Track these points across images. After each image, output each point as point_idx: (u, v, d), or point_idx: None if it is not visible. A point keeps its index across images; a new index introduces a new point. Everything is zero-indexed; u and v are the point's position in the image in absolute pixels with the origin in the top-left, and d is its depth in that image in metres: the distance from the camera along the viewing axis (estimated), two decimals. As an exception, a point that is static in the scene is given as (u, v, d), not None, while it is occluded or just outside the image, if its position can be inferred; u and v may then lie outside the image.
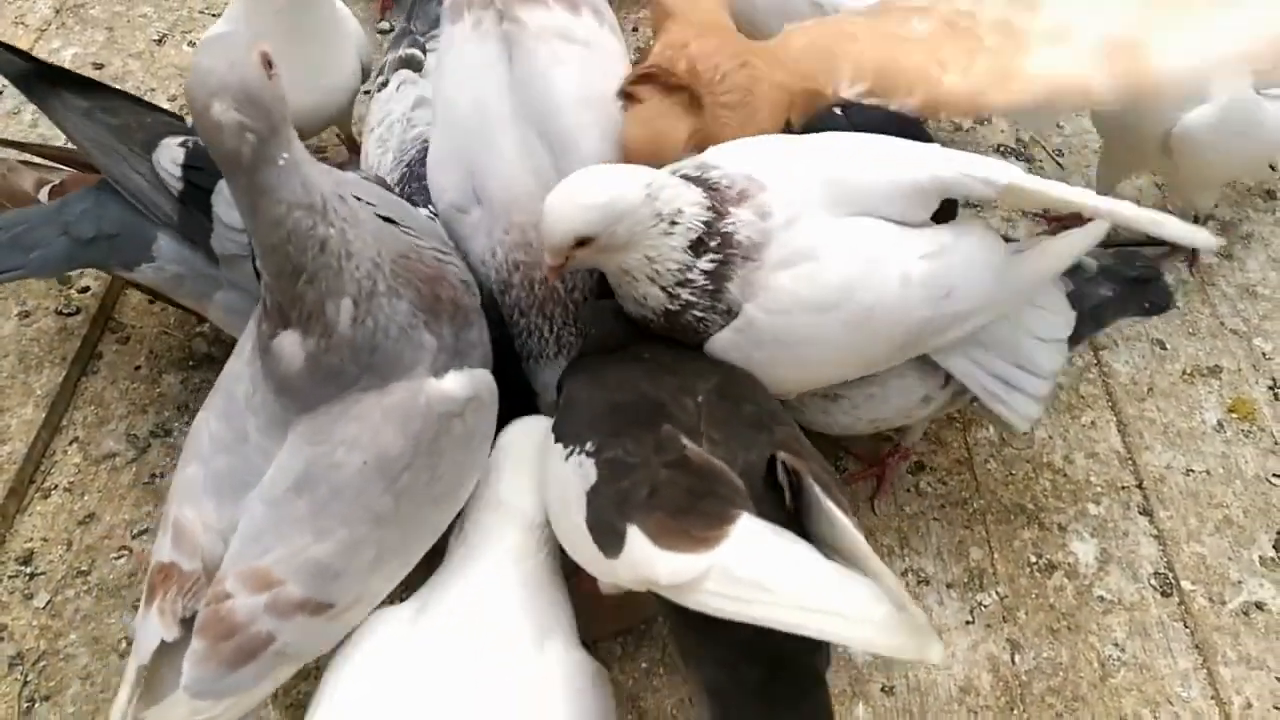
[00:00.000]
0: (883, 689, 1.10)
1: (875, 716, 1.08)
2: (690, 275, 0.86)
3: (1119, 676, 1.12)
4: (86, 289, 1.40)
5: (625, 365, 0.90)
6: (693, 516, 0.73)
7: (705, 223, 0.85)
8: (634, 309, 0.92)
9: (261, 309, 0.79)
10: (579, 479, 0.81)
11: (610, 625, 1.11)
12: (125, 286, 1.41)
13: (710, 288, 0.87)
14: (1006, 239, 1.04)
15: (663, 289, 0.88)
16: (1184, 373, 1.41)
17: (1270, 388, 1.40)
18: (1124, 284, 1.16)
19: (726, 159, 0.91)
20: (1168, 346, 1.44)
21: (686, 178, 0.89)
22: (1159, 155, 1.35)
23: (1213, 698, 1.10)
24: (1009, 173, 0.93)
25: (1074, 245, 1.00)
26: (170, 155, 0.99)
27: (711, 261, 0.86)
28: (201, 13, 1.87)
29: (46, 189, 1.16)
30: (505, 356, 0.99)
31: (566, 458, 0.82)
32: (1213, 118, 1.28)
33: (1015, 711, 1.09)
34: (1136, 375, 1.41)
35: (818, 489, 0.75)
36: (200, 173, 1.00)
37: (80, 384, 1.33)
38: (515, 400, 0.98)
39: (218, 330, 1.38)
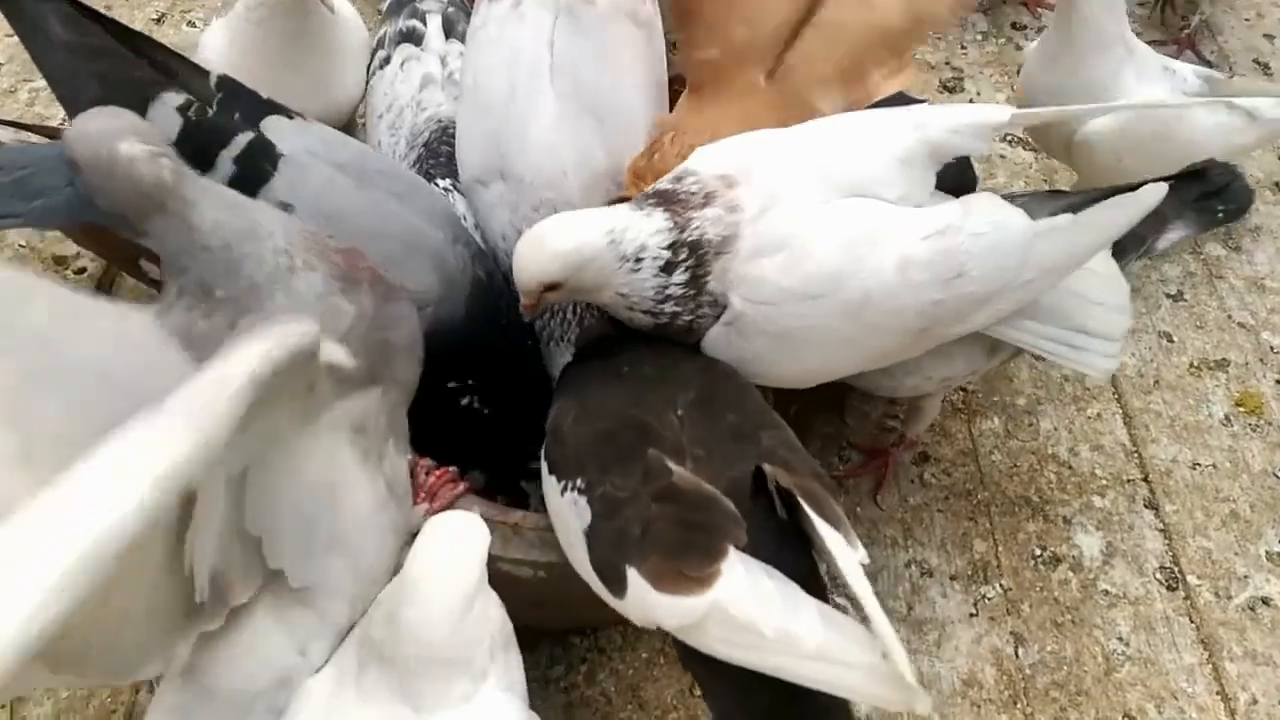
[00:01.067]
0: (885, 681, 1.09)
1: (880, 709, 1.07)
2: (668, 292, 0.86)
3: (1123, 671, 1.11)
4: (83, 270, 1.39)
5: (607, 383, 0.88)
6: (687, 555, 0.72)
7: (670, 245, 0.85)
8: (625, 319, 0.91)
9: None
10: (575, 517, 0.80)
11: (611, 613, 1.09)
12: (121, 271, 1.40)
13: (691, 292, 0.86)
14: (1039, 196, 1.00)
15: (644, 313, 0.88)
16: (1191, 365, 1.40)
17: (1278, 381, 1.38)
18: (1193, 208, 1.12)
19: (706, 161, 0.90)
20: (1175, 339, 1.43)
21: (658, 193, 0.88)
22: (1068, 158, 1.38)
23: (1218, 693, 1.10)
24: (1002, 112, 0.90)
25: (1117, 219, 0.94)
26: (163, 117, 0.90)
27: (686, 271, 0.85)
28: (202, -10, 1.85)
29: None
30: (523, 339, 0.98)
31: (562, 493, 0.82)
32: (1111, 129, 1.29)
33: (1019, 705, 1.08)
34: (1143, 368, 1.40)
35: (808, 508, 0.73)
36: (189, 154, 0.94)
37: (76, 366, 1.31)
38: (532, 385, 0.96)
39: (216, 313, 1.37)
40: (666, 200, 0.86)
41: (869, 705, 0.85)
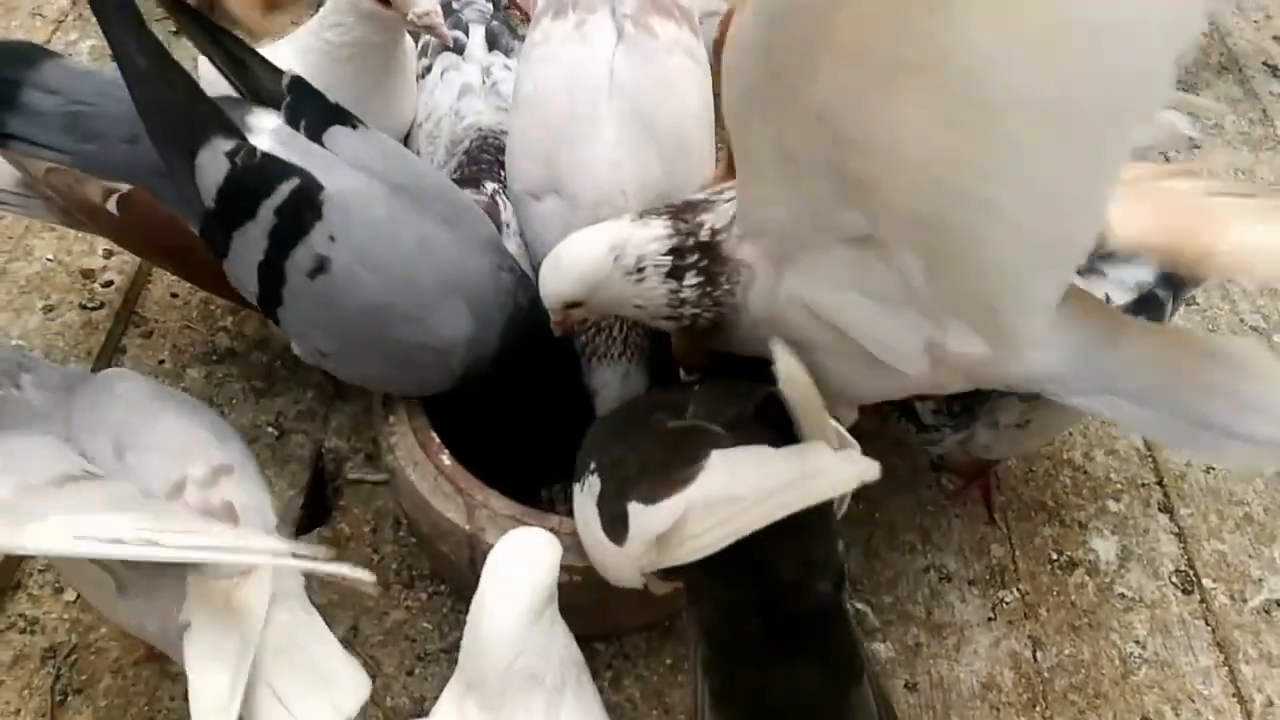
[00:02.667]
0: (906, 685, 1.11)
1: (901, 712, 1.08)
2: (683, 296, 0.90)
3: (1140, 674, 1.13)
4: (110, 283, 1.41)
5: (628, 411, 0.96)
6: (671, 467, 0.78)
7: (672, 249, 0.88)
8: (656, 328, 0.96)
9: None
10: (591, 499, 0.85)
11: (635, 620, 1.12)
12: (148, 280, 1.42)
13: (708, 289, 0.89)
14: None
15: (666, 319, 0.92)
16: (1204, 369, 1.41)
17: (1290, 385, 1.40)
18: None
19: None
20: (1187, 343, 1.44)
21: (668, 205, 0.92)
22: None
23: (1234, 695, 1.11)
24: None
25: None
26: (214, 166, 0.94)
27: (697, 274, 0.89)
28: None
29: (114, 199, 1.03)
30: (562, 362, 1.00)
31: (581, 490, 0.87)
32: None
33: (1038, 708, 1.10)
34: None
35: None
36: (233, 201, 0.95)
37: (106, 378, 1.33)
38: (569, 403, 0.99)
39: (240, 325, 1.39)
40: (673, 210, 0.90)
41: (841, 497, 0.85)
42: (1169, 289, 1.06)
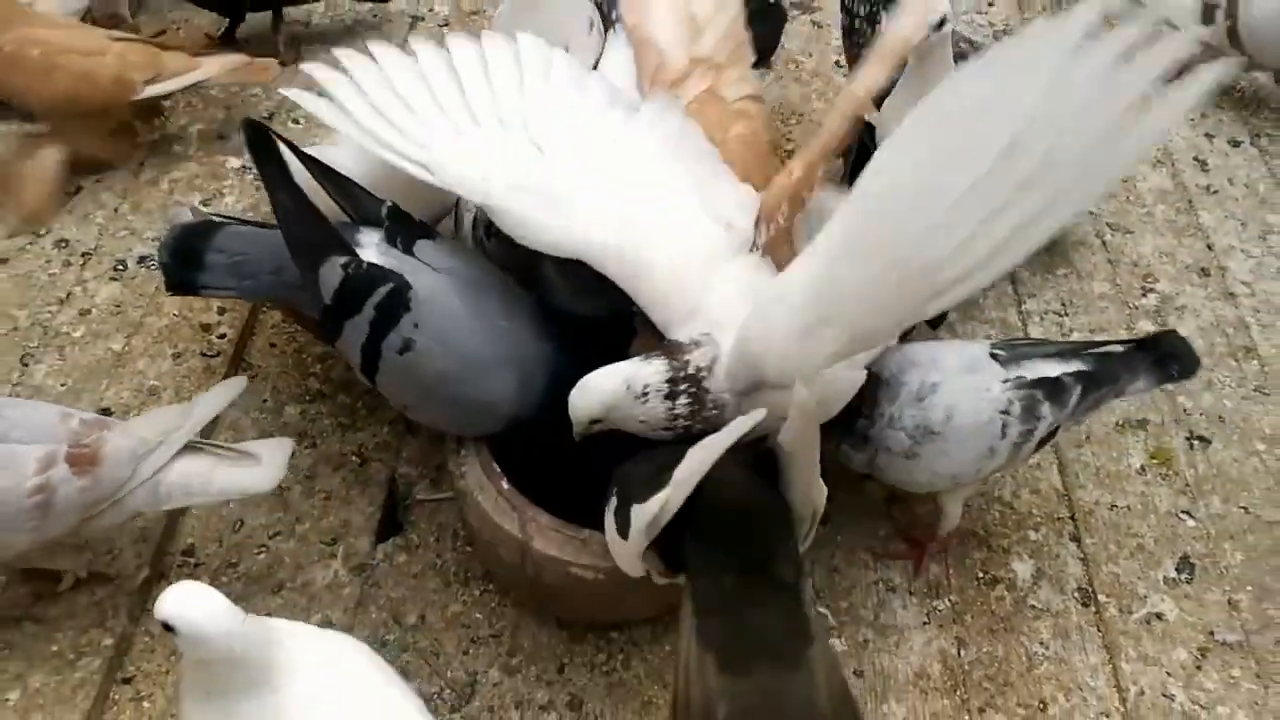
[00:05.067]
0: (854, 673, 1.40)
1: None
2: (676, 412, 1.19)
3: (1042, 668, 1.42)
4: (223, 336, 1.74)
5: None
6: (659, 483, 1.06)
7: (669, 380, 1.18)
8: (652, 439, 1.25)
9: None
10: (611, 513, 1.15)
11: (643, 613, 1.42)
12: (253, 333, 1.75)
13: (695, 408, 1.19)
14: None
15: (663, 429, 1.21)
16: (1117, 424, 1.71)
17: (1187, 438, 1.69)
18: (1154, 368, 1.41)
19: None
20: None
21: (662, 348, 1.21)
22: None
23: (1114, 686, 1.41)
24: None
25: None
26: (332, 275, 1.27)
27: (689, 398, 1.18)
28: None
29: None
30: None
31: (607, 511, 1.16)
32: None
33: (958, 693, 1.39)
34: (1077, 426, 1.71)
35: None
36: (344, 300, 1.27)
37: (221, 414, 1.64)
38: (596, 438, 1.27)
39: (328, 370, 1.72)
40: (667, 351, 1.20)
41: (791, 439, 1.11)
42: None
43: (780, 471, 1.12)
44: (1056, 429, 1.38)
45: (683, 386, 1.18)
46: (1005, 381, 1.33)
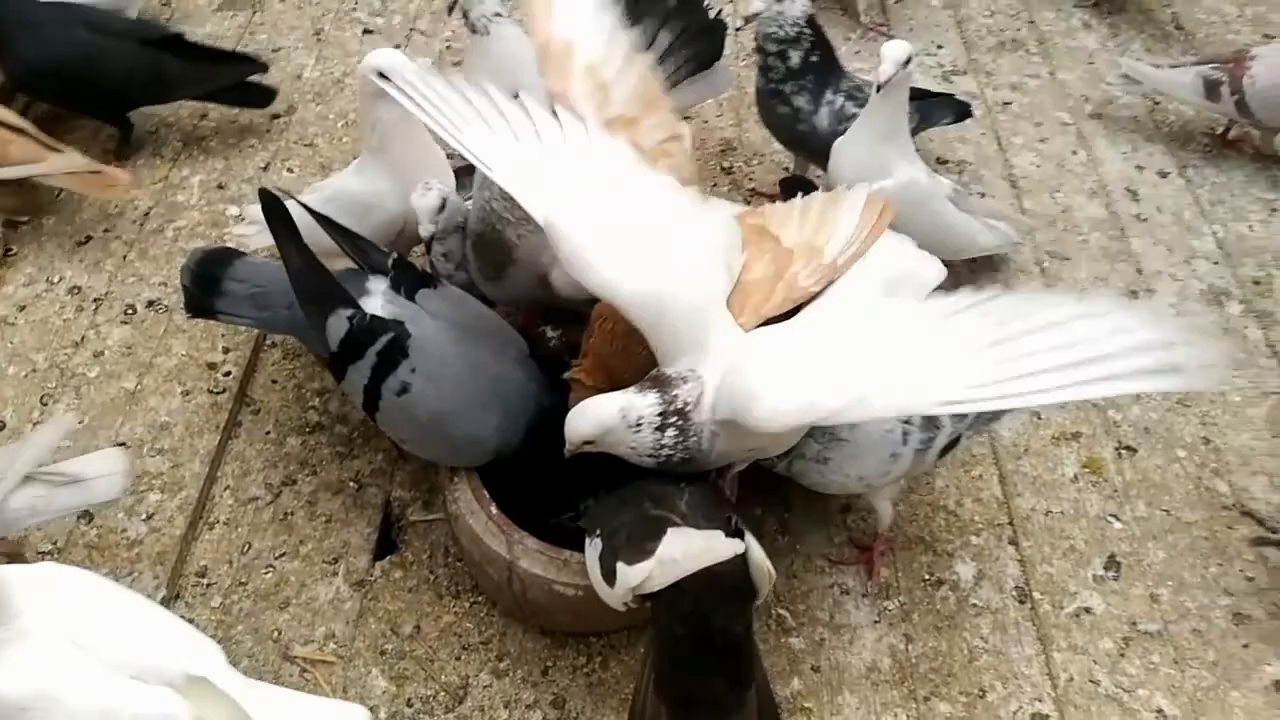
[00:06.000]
0: (812, 668, 1.55)
1: (806, 687, 1.53)
2: (664, 442, 1.29)
3: (982, 660, 1.57)
4: (229, 373, 1.88)
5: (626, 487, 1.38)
6: (645, 541, 1.21)
7: (660, 413, 1.29)
8: (636, 463, 1.35)
9: None
10: (595, 554, 1.30)
11: (619, 623, 1.55)
12: (255, 371, 1.89)
13: (680, 439, 1.30)
14: None
15: (649, 457, 1.32)
16: (1053, 437, 1.87)
17: (1116, 448, 1.85)
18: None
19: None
20: (1042, 417, 1.89)
21: (652, 379, 1.32)
22: None
23: (1047, 675, 1.55)
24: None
25: None
26: (338, 326, 1.42)
27: (676, 430, 1.29)
28: (295, 144, 2.35)
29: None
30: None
31: (590, 545, 1.31)
32: (891, 190, 1.72)
33: (906, 684, 1.54)
34: (1016, 439, 1.86)
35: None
36: (349, 348, 1.43)
37: (228, 446, 1.79)
38: (572, 469, 1.40)
39: (325, 404, 1.86)
40: (658, 383, 1.32)
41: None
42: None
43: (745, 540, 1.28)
44: (959, 438, 1.53)
45: (672, 419, 1.30)
46: None
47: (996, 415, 1.55)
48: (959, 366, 1.16)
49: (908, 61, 1.76)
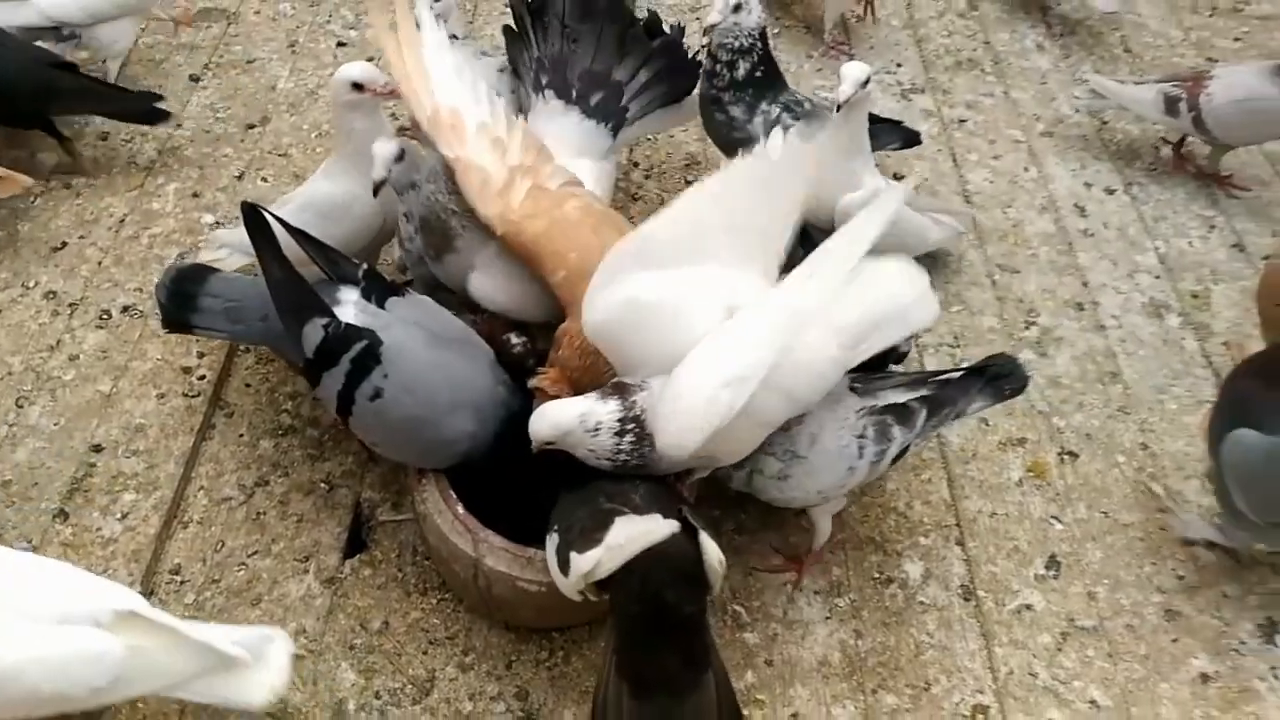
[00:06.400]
0: (766, 661, 1.62)
1: (760, 680, 1.60)
2: (621, 447, 1.38)
3: (927, 654, 1.64)
4: (203, 377, 1.93)
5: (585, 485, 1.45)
6: (595, 531, 1.30)
7: (619, 419, 1.37)
8: (594, 465, 1.43)
9: None
10: (553, 548, 1.37)
11: (581, 618, 1.62)
12: (229, 375, 1.94)
13: (635, 444, 1.38)
14: None
15: (606, 460, 1.40)
16: (999, 443, 1.95)
17: (1059, 454, 1.93)
18: (990, 388, 1.66)
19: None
20: (989, 423, 1.98)
21: (614, 385, 1.42)
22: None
23: (989, 668, 1.63)
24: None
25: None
26: (314, 334, 1.48)
27: (633, 436, 1.38)
28: (269, 153, 2.40)
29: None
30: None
31: (550, 540, 1.39)
32: (860, 199, 1.86)
33: (855, 677, 1.61)
34: (964, 444, 1.94)
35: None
36: (324, 356, 1.48)
37: (202, 447, 1.84)
38: (540, 472, 1.47)
39: (298, 407, 1.91)
40: (619, 390, 1.40)
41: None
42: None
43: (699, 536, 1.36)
44: (909, 446, 1.60)
45: (630, 426, 1.38)
46: (860, 410, 1.55)
47: (941, 423, 1.63)
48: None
49: (866, 82, 1.84)
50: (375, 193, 1.68)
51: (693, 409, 1.35)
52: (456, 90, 1.72)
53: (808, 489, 1.57)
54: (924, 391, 1.60)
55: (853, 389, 1.58)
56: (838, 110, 1.87)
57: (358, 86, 1.76)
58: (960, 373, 1.66)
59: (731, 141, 2.12)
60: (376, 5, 1.79)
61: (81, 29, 2.31)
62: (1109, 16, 2.94)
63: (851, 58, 2.74)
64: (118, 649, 1.24)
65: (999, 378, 1.67)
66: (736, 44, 2.02)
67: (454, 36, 1.98)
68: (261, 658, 1.33)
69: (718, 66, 2.06)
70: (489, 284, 1.68)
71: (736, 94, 2.06)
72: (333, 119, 1.92)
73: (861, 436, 1.54)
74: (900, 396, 1.59)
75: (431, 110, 1.68)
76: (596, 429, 1.38)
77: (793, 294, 1.41)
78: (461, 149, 1.66)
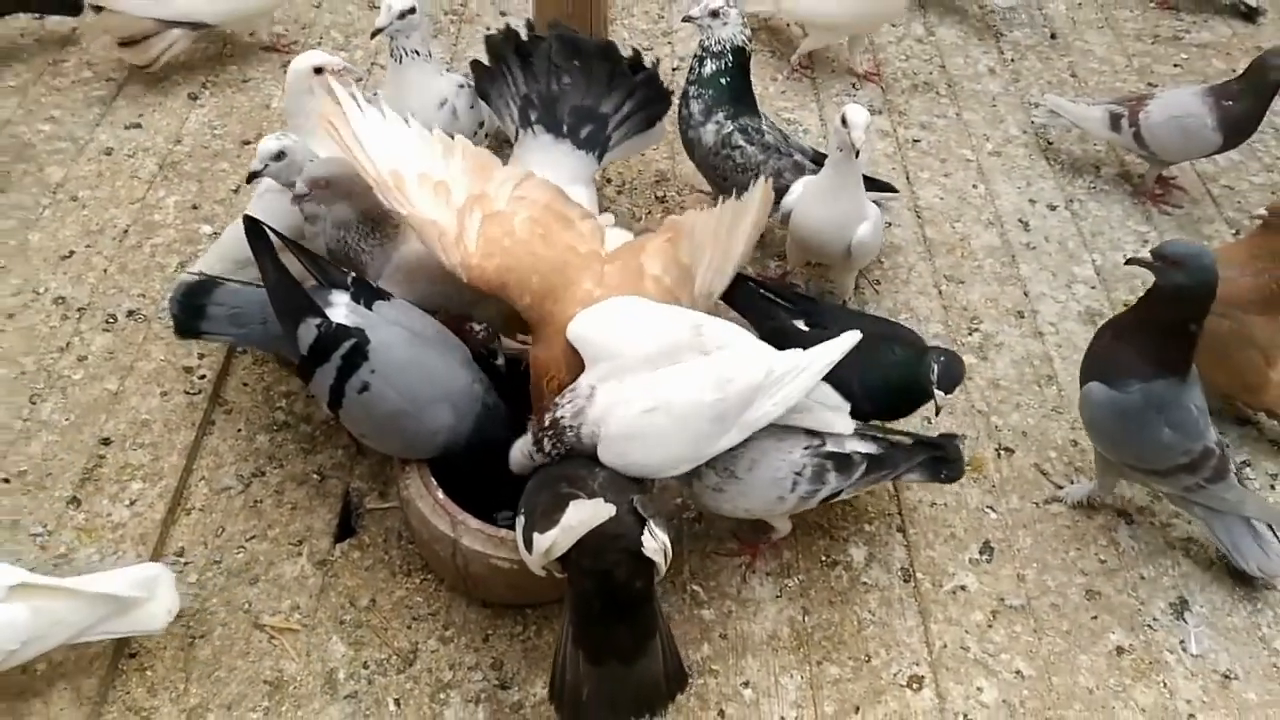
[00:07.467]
0: (720, 635, 1.77)
1: (715, 652, 1.75)
2: (546, 450, 1.58)
3: (869, 630, 1.80)
4: (203, 376, 2.07)
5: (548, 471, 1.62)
6: (553, 513, 1.45)
7: (535, 438, 1.58)
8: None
9: None
10: (520, 528, 1.52)
11: (550, 595, 1.76)
12: (228, 374, 2.08)
13: (556, 445, 1.58)
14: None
15: (545, 458, 1.61)
16: (942, 439, 2.11)
17: (996, 450, 2.10)
18: (928, 464, 1.81)
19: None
20: (931, 421, 2.14)
21: (540, 413, 1.62)
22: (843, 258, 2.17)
23: (924, 643, 1.78)
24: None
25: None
26: (307, 333, 1.62)
27: (550, 440, 1.57)
28: (265, 168, 2.55)
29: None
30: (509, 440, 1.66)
31: (518, 522, 1.54)
32: (872, 230, 2.10)
33: (802, 650, 1.76)
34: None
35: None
36: (317, 353, 1.63)
37: (203, 441, 1.99)
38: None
39: (292, 404, 2.06)
40: (538, 420, 1.61)
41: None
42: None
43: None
44: (840, 492, 1.73)
45: (546, 433, 1.58)
46: (806, 449, 1.69)
47: (876, 481, 1.78)
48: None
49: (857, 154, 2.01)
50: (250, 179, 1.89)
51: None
52: (389, 150, 1.80)
53: (737, 505, 1.71)
54: (872, 449, 1.74)
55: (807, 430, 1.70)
56: (856, 155, 2.00)
57: (318, 70, 1.94)
58: (911, 440, 1.81)
59: (686, 140, 2.32)
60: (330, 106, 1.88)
61: None
62: (1026, 24, 3.12)
63: (813, 79, 2.91)
64: (23, 613, 1.46)
65: (941, 460, 1.82)
66: (708, 44, 2.22)
67: (417, 53, 2.17)
68: (152, 591, 1.58)
69: (692, 61, 2.26)
70: (395, 291, 1.80)
71: (699, 90, 2.26)
72: (288, 105, 2.04)
73: (799, 474, 1.68)
74: (848, 446, 1.72)
75: (375, 178, 1.75)
76: (529, 453, 1.62)
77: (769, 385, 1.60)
78: (411, 207, 1.75)
